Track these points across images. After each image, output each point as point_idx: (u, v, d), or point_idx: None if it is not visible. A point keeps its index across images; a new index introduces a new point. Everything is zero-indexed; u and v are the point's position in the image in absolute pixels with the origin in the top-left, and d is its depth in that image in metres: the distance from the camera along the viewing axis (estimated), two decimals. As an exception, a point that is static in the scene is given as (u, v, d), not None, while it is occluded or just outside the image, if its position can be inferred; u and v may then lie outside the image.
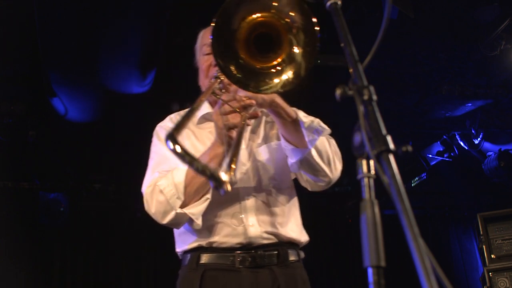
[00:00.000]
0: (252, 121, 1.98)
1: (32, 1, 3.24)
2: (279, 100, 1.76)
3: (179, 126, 1.21)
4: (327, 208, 6.93)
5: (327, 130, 1.87)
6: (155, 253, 6.05)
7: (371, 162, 0.92)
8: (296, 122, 1.79)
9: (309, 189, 1.99)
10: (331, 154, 1.88)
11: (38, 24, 3.45)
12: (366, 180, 0.92)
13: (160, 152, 1.94)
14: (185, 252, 1.94)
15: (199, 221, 1.80)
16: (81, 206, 5.98)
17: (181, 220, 1.80)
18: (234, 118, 1.69)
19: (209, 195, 1.80)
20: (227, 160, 1.41)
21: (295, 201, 2.05)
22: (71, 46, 3.74)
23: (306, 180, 1.94)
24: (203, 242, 1.87)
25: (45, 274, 5.85)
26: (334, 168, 1.90)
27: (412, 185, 6.55)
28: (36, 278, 5.78)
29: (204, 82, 2.00)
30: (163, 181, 1.78)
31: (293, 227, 1.98)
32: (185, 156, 1.09)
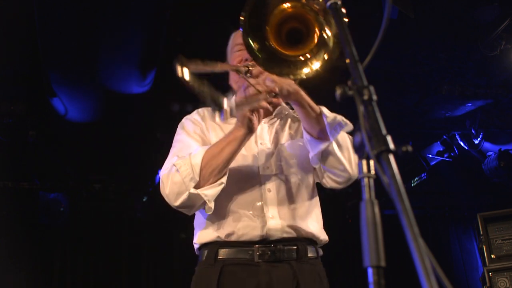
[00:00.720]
0: (276, 122, 2.04)
1: (32, 1, 3.24)
2: (303, 93, 1.79)
3: (193, 62, 1.24)
4: (327, 208, 6.92)
5: (350, 125, 1.86)
6: (155, 253, 6.06)
7: (371, 162, 0.92)
8: (319, 117, 1.81)
9: (328, 185, 1.96)
10: (352, 150, 1.88)
11: (38, 24, 3.45)
12: (366, 180, 0.92)
13: (183, 140, 1.96)
14: (202, 246, 1.93)
15: (211, 204, 1.79)
16: (81, 206, 5.98)
17: (194, 202, 1.79)
18: (258, 101, 1.71)
19: (224, 180, 1.81)
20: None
21: (316, 200, 2.05)
22: (71, 46, 3.74)
23: (326, 175, 1.93)
24: (222, 234, 1.86)
25: (45, 274, 5.85)
26: (355, 165, 1.89)
27: (412, 185, 6.55)
28: (36, 278, 5.78)
29: (234, 78, 2.01)
30: (180, 161, 1.79)
31: (313, 223, 1.97)
32: (192, 79, 1.12)
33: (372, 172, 0.92)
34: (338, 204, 6.97)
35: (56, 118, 4.68)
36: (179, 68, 1.15)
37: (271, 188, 1.90)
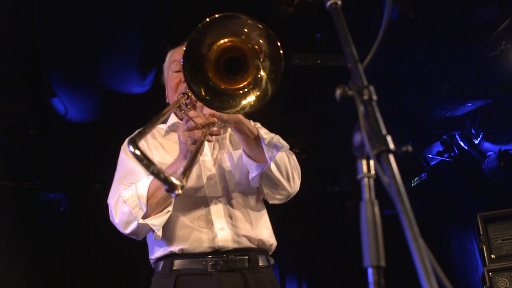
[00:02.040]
0: (214, 137, 2.06)
1: (32, 1, 3.24)
2: (242, 118, 1.85)
3: (141, 132, 1.32)
4: (327, 208, 6.93)
5: (286, 146, 1.96)
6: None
7: (371, 162, 0.92)
8: (257, 139, 1.87)
9: (269, 201, 2.06)
10: (290, 169, 1.96)
11: (38, 24, 3.45)
12: (366, 180, 0.92)
13: (126, 166, 2.03)
14: (158, 259, 1.99)
15: (159, 233, 1.87)
16: (81, 206, 5.97)
17: (142, 230, 1.87)
18: (197, 134, 1.77)
19: (170, 208, 1.87)
20: (181, 168, 1.52)
21: (262, 207, 2.11)
22: (71, 46, 3.74)
23: (266, 193, 2.02)
24: (175, 249, 1.92)
25: (45, 274, 5.85)
26: (293, 183, 1.99)
27: (412, 185, 6.55)
28: (36, 278, 5.78)
29: (172, 98, 2.08)
30: (127, 192, 1.86)
31: (262, 230, 2.02)
32: (143, 160, 1.20)
33: (372, 172, 0.92)
34: (338, 204, 6.97)
35: (56, 118, 4.68)
36: (132, 147, 1.21)
37: (217, 200, 1.96)
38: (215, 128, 1.86)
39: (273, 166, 1.90)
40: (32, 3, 3.26)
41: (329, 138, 5.71)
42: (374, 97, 0.94)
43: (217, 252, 1.89)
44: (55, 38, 3.63)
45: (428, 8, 3.68)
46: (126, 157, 2.06)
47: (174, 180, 1.18)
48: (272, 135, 1.91)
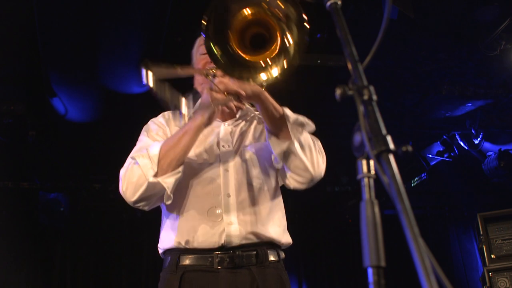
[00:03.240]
0: (241, 124, 2.06)
1: (32, 1, 3.24)
2: (267, 94, 1.80)
3: (157, 65, 1.31)
4: (327, 208, 6.93)
5: (312, 125, 1.90)
6: (155, 253, 6.04)
7: (371, 162, 0.92)
8: (282, 117, 1.82)
9: (291, 186, 1.95)
10: (314, 151, 1.90)
11: (38, 24, 3.45)
12: (366, 180, 0.92)
13: (143, 140, 1.98)
14: (166, 252, 1.97)
15: (170, 192, 1.81)
16: (81, 206, 5.98)
17: (153, 191, 1.80)
18: (222, 96, 1.75)
19: (181, 169, 1.83)
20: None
21: (279, 202, 2.05)
22: (71, 46, 3.75)
23: (288, 176, 1.93)
24: (182, 240, 1.88)
25: (45, 274, 5.85)
26: (317, 166, 1.90)
27: (412, 185, 6.56)
28: (36, 278, 5.78)
29: (199, 81, 2.03)
30: (138, 153, 1.83)
31: (274, 228, 1.96)
32: (155, 85, 1.18)
33: (372, 172, 0.92)
34: (338, 204, 6.97)
35: (56, 118, 4.68)
36: (144, 72, 1.19)
37: (231, 192, 1.91)
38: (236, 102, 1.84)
39: (297, 145, 1.83)
40: (32, 3, 3.26)
41: (329, 138, 5.71)
42: (374, 97, 0.94)
43: (223, 248, 1.85)
44: (55, 38, 3.63)
45: (428, 8, 3.69)
46: (144, 134, 2.02)
47: (183, 108, 1.16)
48: (298, 115, 1.86)
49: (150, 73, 1.19)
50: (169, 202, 1.85)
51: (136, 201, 1.81)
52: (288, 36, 1.61)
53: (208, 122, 1.82)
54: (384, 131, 0.89)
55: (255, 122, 2.09)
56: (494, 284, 4.55)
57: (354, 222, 6.83)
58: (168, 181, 1.79)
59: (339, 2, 1.09)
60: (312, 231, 6.80)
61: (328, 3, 1.09)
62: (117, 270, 6.08)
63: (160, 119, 2.09)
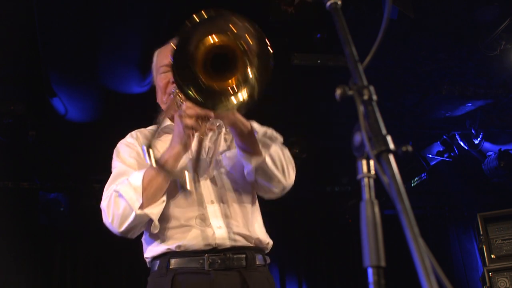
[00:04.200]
0: (210, 133, 2.08)
1: (32, 1, 3.24)
2: (234, 112, 1.83)
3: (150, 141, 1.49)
4: (327, 208, 6.93)
5: (280, 138, 1.96)
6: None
7: (371, 162, 0.92)
8: (251, 132, 1.87)
9: (265, 197, 2.06)
10: (284, 162, 1.96)
11: (38, 24, 3.45)
12: (366, 180, 0.92)
13: (117, 167, 2.02)
14: (154, 258, 1.97)
15: (157, 223, 1.86)
16: (81, 206, 5.97)
17: (139, 224, 1.85)
18: (194, 121, 1.78)
19: (164, 198, 1.87)
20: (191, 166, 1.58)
21: (257, 206, 2.12)
22: (71, 46, 3.75)
23: (262, 187, 2.01)
24: (172, 246, 1.90)
25: (45, 274, 5.85)
26: (288, 176, 1.98)
27: (412, 185, 6.55)
28: (36, 278, 5.78)
29: (162, 98, 2.07)
30: (120, 186, 1.84)
31: (258, 229, 2.03)
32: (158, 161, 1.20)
33: (372, 172, 0.92)
34: (338, 204, 6.97)
35: (56, 118, 4.68)
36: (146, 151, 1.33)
37: (214, 199, 1.96)
38: (208, 125, 1.87)
39: (268, 160, 1.90)
40: (32, 3, 3.26)
41: (329, 138, 5.72)
42: (374, 97, 0.94)
43: (214, 250, 1.88)
44: (55, 38, 3.63)
45: (428, 8, 3.68)
46: (117, 159, 2.05)
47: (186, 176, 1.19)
48: (265, 128, 1.92)
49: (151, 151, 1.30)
50: (156, 231, 1.89)
51: (124, 232, 1.85)
52: (249, 68, 1.65)
53: (185, 149, 1.85)
54: (384, 131, 0.89)
55: (223, 130, 2.13)
56: (494, 284, 4.55)
57: (354, 222, 6.83)
58: (155, 212, 1.84)
59: (339, 2, 1.09)
60: (312, 231, 6.79)
61: (328, 3, 1.09)
62: (117, 270, 6.08)
63: (128, 139, 2.12)
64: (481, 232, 4.78)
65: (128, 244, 6.77)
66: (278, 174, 1.93)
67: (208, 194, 1.96)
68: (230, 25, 1.59)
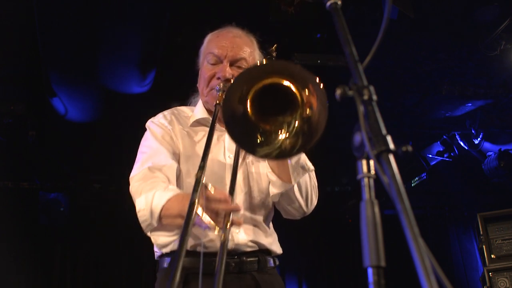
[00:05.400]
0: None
1: (32, 1, 3.24)
2: None
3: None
4: (327, 208, 6.93)
5: (311, 167, 1.96)
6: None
7: (371, 162, 0.92)
8: (285, 161, 1.86)
9: (284, 216, 2.08)
10: (310, 190, 1.97)
11: (38, 24, 3.45)
12: (366, 180, 0.92)
13: (151, 145, 1.96)
14: (164, 255, 1.95)
15: (159, 249, 1.91)
16: (81, 206, 5.98)
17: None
18: (209, 219, 1.62)
19: (176, 232, 1.83)
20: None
21: (272, 215, 2.13)
22: (71, 46, 3.75)
23: (283, 209, 2.03)
24: (188, 245, 1.86)
25: (45, 274, 5.85)
26: (310, 204, 2.00)
27: (412, 185, 6.55)
28: (36, 278, 5.78)
29: (203, 89, 2.02)
30: (142, 200, 1.79)
31: (271, 239, 2.04)
32: None
33: (372, 172, 0.92)
34: (338, 204, 6.97)
35: (56, 118, 4.68)
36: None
37: (238, 203, 1.92)
38: (235, 217, 1.70)
39: (295, 188, 1.90)
40: (32, 3, 3.26)
41: (329, 138, 5.71)
42: (374, 97, 0.94)
43: (230, 254, 1.86)
44: (55, 38, 3.63)
45: (428, 8, 3.69)
46: (151, 137, 1.97)
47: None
48: (299, 155, 1.87)
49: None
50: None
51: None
52: (308, 117, 1.58)
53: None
54: (384, 131, 0.89)
55: None
56: (494, 284, 4.55)
57: (354, 222, 6.83)
58: (160, 242, 1.88)
59: (339, 2, 1.09)
60: (312, 231, 6.79)
61: (328, 3, 1.09)
62: (117, 270, 6.08)
63: (161, 120, 2.04)
64: (481, 232, 4.78)
65: (128, 244, 6.79)
66: (302, 202, 1.95)
67: (234, 198, 1.90)
68: (298, 74, 1.50)
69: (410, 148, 0.86)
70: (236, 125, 1.51)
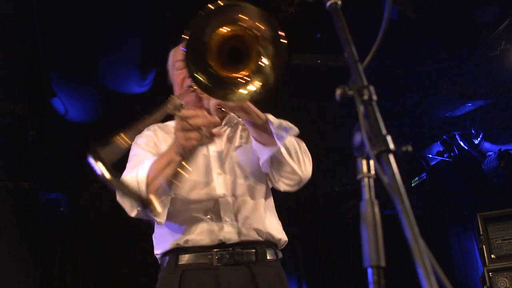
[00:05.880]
0: (224, 121, 2.08)
1: (32, 1, 3.24)
2: (249, 104, 1.82)
3: (109, 141, 1.31)
4: (327, 208, 6.93)
5: (295, 129, 1.94)
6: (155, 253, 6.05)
7: (371, 162, 0.92)
8: (266, 124, 1.85)
9: (281, 189, 2.01)
10: (300, 152, 1.95)
11: (38, 24, 3.45)
12: (366, 180, 0.92)
13: (137, 154, 1.99)
14: (164, 254, 1.98)
15: (161, 219, 1.84)
16: (81, 206, 5.98)
17: (148, 215, 1.83)
18: (193, 135, 1.70)
19: (171, 193, 1.82)
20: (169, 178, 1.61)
21: (271, 202, 2.10)
22: (71, 46, 3.75)
23: (277, 179, 1.98)
24: (181, 241, 1.90)
25: (45, 274, 5.85)
26: (304, 167, 1.95)
27: (412, 185, 6.56)
28: (36, 278, 5.78)
29: (179, 93, 2.05)
30: (128, 177, 1.81)
31: (270, 224, 2.01)
32: (108, 178, 1.19)
33: (372, 172, 0.92)
34: (338, 204, 6.98)
35: (56, 118, 4.68)
36: (94, 164, 1.21)
37: (226, 192, 1.94)
38: (216, 129, 1.80)
39: (283, 150, 1.87)
40: (32, 3, 3.26)
41: (329, 138, 5.72)
42: (374, 97, 0.94)
43: (223, 245, 1.88)
44: (55, 38, 3.63)
45: (428, 8, 3.69)
46: (136, 147, 2.02)
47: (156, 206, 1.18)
48: (281, 120, 1.90)
49: (100, 164, 1.20)
50: (161, 225, 1.88)
51: (136, 217, 1.84)
52: (264, 56, 1.63)
53: (184, 157, 1.75)
54: (384, 131, 0.89)
55: (240, 127, 2.12)
56: (494, 284, 4.55)
57: (354, 222, 6.83)
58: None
59: (339, 2, 1.09)
60: (312, 231, 6.80)
61: (328, 3, 1.09)
62: (117, 270, 6.08)
63: (146, 132, 2.08)
64: (481, 232, 4.78)
65: (128, 244, 6.79)
66: (294, 165, 1.91)
67: (221, 189, 1.94)
68: (240, 14, 1.57)
69: (410, 148, 0.86)
70: (201, 74, 1.59)
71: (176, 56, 2.11)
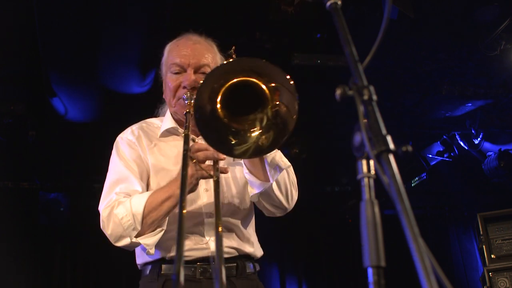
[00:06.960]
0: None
1: (32, 1, 3.24)
2: None
3: None
4: (327, 208, 6.93)
5: (288, 164, 1.95)
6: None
7: (371, 162, 0.92)
8: (261, 160, 1.86)
9: (266, 214, 2.07)
10: (289, 186, 1.97)
11: (38, 24, 3.45)
12: (366, 180, 0.92)
13: (118, 170, 1.97)
14: (146, 263, 2.00)
15: (152, 251, 1.86)
16: (81, 206, 5.97)
17: (134, 246, 1.89)
18: (206, 169, 1.71)
19: (164, 226, 1.86)
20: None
21: (252, 219, 2.13)
22: (71, 46, 3.75)
23: (264, 207, 2.02)
24: (166, 255, 1.92)
25: (45, 274, 5.85)
26: (291, 199, 2.00)
27: (412, 185, 6.55)
28: (36, 278, 5.78)
29: (170, 100, 2.03)
30: (121, 209, 1.81)
31: (250, 243, 2.05)
32: None
33: (372, 172, 0.92)
34: (338, 204, 6.97)
35: (56, 118, 4.68)
36: None
37: (211, 212, 1.93)
38: (221, 165, 1.78)
39: (274, 185, 1.90)
40: (32, 3, 3.26)
41: (329, 138, 5.72)
42: (374, 97, 0.94)
43: (207, 259, 1.89)
44: (55, 38, 3.63)
45: (428, 8, 3.68)
46: (118, 159, 2.00)
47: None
48: (274, 152, 1.87)
49: None
50: (151, 254, 1.89)
51: (119, 247, 1.88)
52: (277, 110, 1.60)
53: (192, 190, 1.79)
54: (384, 131, 0.89)
55: None
56: (494, 284, 4.55)
57: (354, 222, 6.83)
58: (150, 242, 1.85)
59: (339, 2, 1.09)
60: (312, 231, 6.79)
61: (328, 3, 1.09)
62: (117, 270, 6.08)
63: (129, 136, 2.07)
64: (481, 232, 4.78)
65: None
66: (282, 199, 1.95)
67: (207, 206, 1.94)
68: (265, 70, 1.54)
69: (410, 148, 0.86)
70: (210, 130, 1.56)
71: (173, 57, 2.05)
